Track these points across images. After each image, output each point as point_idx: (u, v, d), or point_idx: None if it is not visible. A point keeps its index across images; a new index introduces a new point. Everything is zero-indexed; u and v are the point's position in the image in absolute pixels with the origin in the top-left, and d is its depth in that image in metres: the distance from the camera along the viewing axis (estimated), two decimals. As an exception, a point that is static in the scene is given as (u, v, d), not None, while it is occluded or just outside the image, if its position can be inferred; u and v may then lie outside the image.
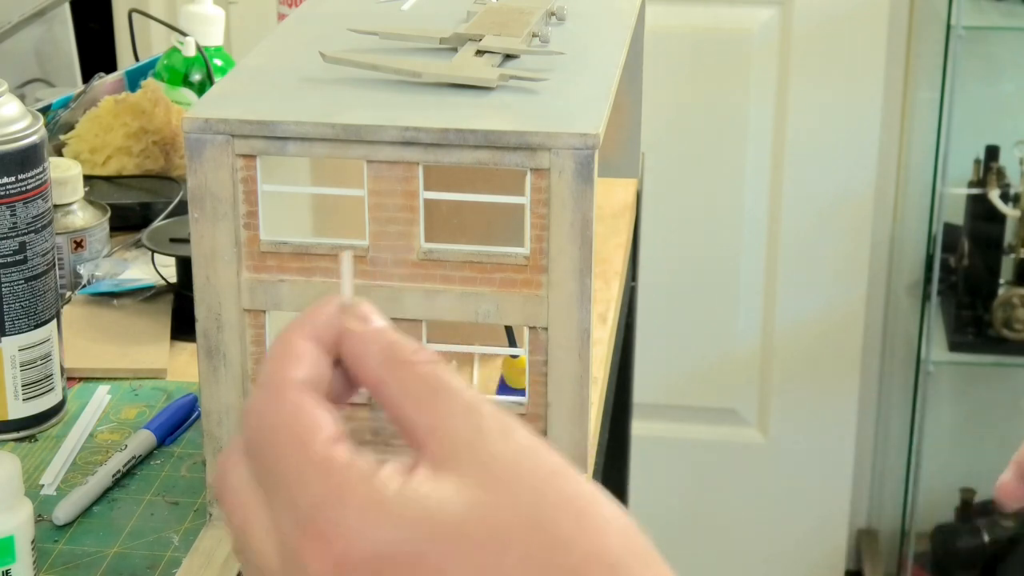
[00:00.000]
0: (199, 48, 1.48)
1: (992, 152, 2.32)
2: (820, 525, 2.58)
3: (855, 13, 2.33)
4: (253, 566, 0.51)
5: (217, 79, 1.46)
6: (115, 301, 1.15)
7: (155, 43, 2.07)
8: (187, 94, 1.46)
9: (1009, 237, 2.31)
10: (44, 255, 0.95)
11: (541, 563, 0.47)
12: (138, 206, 1.29)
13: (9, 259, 0.93)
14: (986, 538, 2.39)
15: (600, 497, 0.49)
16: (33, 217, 0.93)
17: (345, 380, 0.53)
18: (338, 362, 0.53)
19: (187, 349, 1.09)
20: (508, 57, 0.89)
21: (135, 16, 1.62)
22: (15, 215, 0.92)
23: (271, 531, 0.50)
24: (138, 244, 1.21)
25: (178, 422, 0.98)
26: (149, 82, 1.38)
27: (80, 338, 1.09)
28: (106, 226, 1.20)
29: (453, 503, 0.48)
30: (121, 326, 1.12)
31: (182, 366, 1.07)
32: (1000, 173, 2.30)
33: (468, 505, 0.48)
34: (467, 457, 0.49)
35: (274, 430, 0.50)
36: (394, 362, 0.51)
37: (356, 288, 0.75)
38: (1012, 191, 2.29)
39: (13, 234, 0.92)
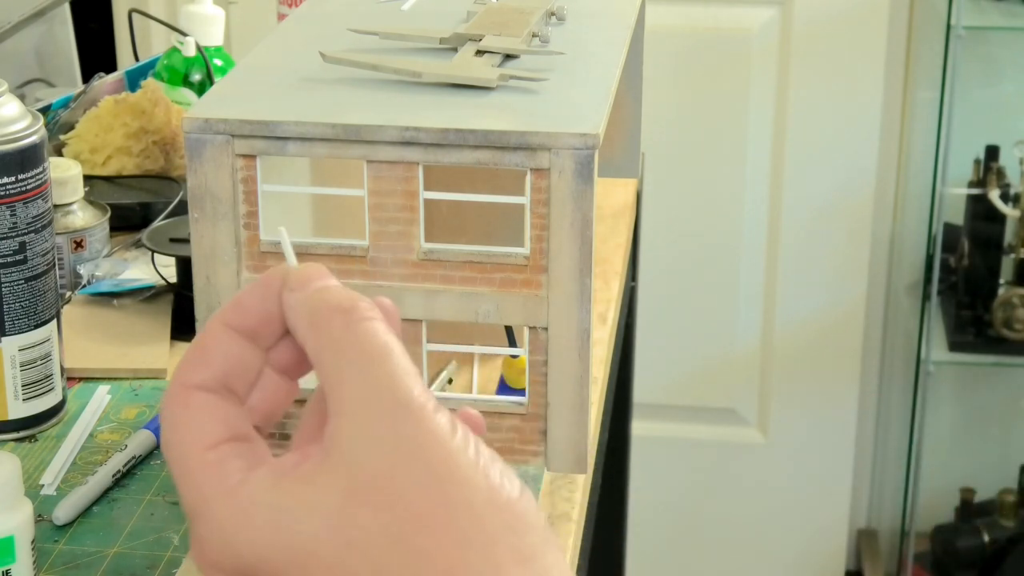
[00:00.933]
0: (199, 48, 1.48)
1: (992, 152, 2.32)
2: (820, 525, 2.58)
3: (855, 13, 2.33)
4: None
5: (217, 79, 1.46)
6: (115, 301, 1.15)
7: (155, 43, 2.07)
8: (187, 94, 1.46)
9: (1009, 237, 2.31)
10: (44, 255, 0.95)
11: None
12: (138, 206, 1.29)
13: (9, 259, 0.93)
14: (986, 538, 2.39)
15: (472, 496, 0.48)
16: (33, 217, 0.93)
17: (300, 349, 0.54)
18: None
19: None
20: (508, 57, 0.89)
21: (135, 16, 1.62)
22: (15, 215, 0.92)
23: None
24: (138, 244, 1.21)
25: (178, 422, 0.97)
26: (149, 82, 1.38)
27: (80, 338, 1.09)
28: (106, 226, 1.20)
29: (317, 510, 0.48)
30: (121, 326, 1.12)
31: (182, 366, 1.07)
32: (1000, 173, 2.30)
33: (331, 512, 0.48)
34: (346, 454, 0.48)
35: (166, 437, 0.52)
36: (316, 326, 0.51)
37: (357, 289, 0.75)
38: (1012, 191, 2.29)
39: (13, 234, 0.92)
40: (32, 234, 0.93)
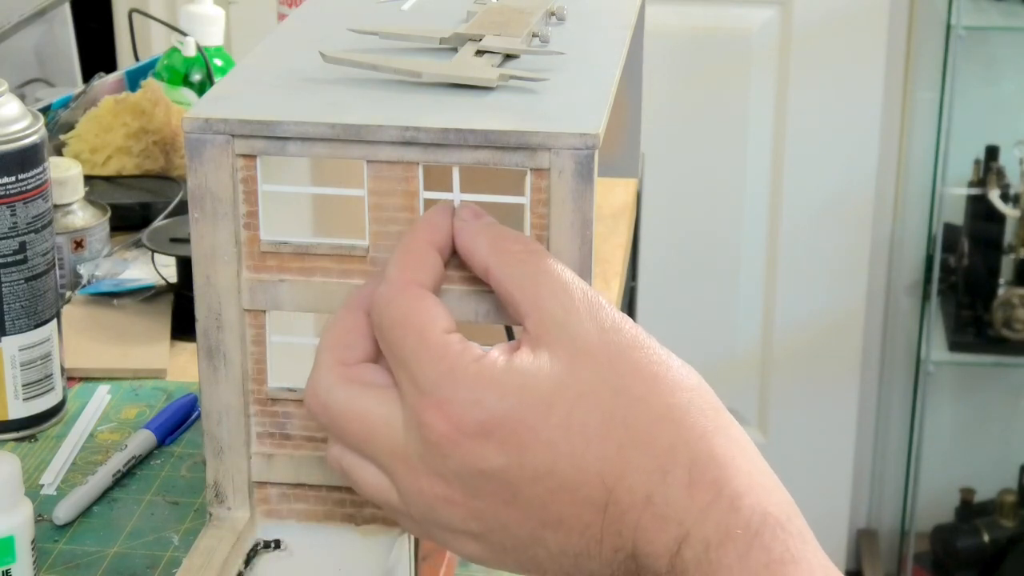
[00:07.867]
0: (199, 48, 1.48)
1: (992, 152, 2.33)
2: (820, 525, 2.56)
3: (855, 13, 2.33)
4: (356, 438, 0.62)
5: (217, 79, 1.46)
6: (115, 301, 1.15)
7: (155, 43, 2.07)
8: (187, 94, 1.46)
9: (1009, 237, 2.31)
10: (44, 255, 0.95)
11: (620, 420, 0.57)
12: (138, 206, 1.29)
13: (9, 259, 0.93)
14: (986, 538, 2.39)
15: (672, 365, 0.59)
16: (33, 217, 0.93)
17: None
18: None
19: (187, 349, 1.09)
20: (508, 57, 0.89)
21: (135, 16, 1.63)
22: (15, 215, 0.92)
23: (394, 400, 0.61)
24: (138, 244, 1.21)
25: (178, 422, 0.98)
26: (149, 82, 1.38)
27: (80, 338, 1.09)
28: (106, 226, 1.20)
29: (547, 375, 0.58)
30: (121, 326, 1.12)
31: (182, 366, 1.07)
32: (1000, 173, 2.30)
33: (559, 376, 0.58)
34: (558, 334, 0.59)
35: (399, 320, 0.61)
36: (499, 250, 0.63)
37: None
38: (1012, 191, 2.30)
39: (13, 234, 0.92)
40: (32, 234, 0.93)
